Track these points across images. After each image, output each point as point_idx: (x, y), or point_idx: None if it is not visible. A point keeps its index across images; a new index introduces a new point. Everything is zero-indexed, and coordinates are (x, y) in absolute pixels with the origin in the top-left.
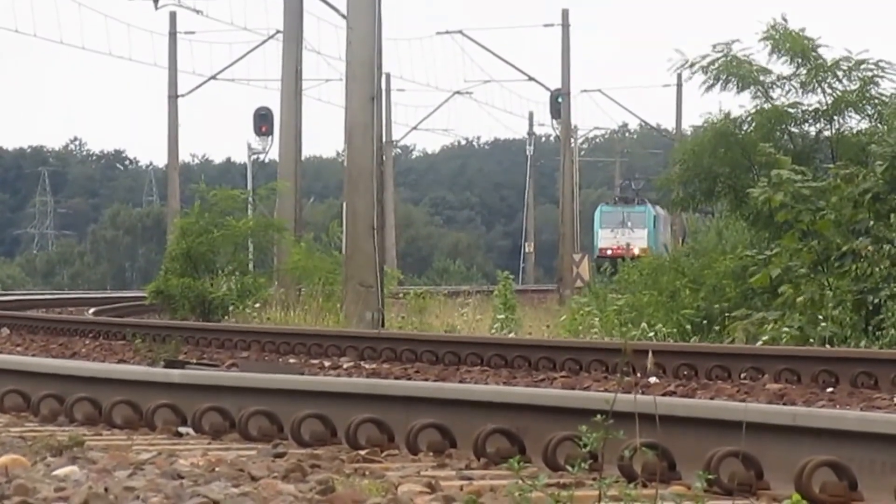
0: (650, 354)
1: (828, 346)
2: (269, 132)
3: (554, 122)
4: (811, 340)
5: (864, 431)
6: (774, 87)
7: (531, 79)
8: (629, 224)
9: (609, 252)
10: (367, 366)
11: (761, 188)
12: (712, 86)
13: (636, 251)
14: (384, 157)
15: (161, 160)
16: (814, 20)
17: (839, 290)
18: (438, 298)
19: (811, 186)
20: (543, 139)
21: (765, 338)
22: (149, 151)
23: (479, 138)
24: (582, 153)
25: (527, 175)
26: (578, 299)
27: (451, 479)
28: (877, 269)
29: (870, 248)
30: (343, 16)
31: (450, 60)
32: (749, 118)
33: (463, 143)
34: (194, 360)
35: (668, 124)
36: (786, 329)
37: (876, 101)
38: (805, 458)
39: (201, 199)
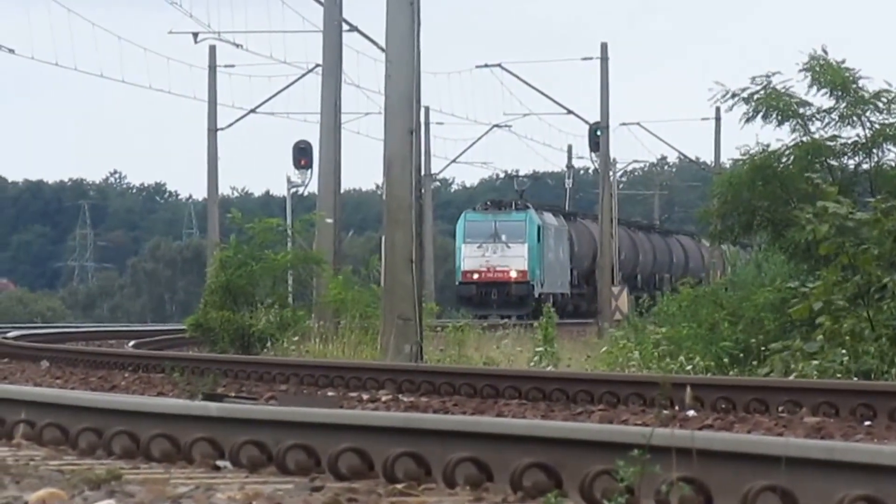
0: (688, 390)
1: (858, 377)
2: (309, 165)
3: (593, 155)
4: (840, 374)
5: None
6: (814, 119)
7: (570, 112)
8: (503, 237)
9: (476, 276)
10: (405, 399)
11: (808, 220)
12: (752, 118)
13: (513, 274)
14: (423, 190)
15: (201, 193)
16: (857, 42)
17: (878, 324)
18: (477, 331)
19: (856, 219)
20: (582, 172)
21: (797, 373)
22: (188, 184)
23: (518, 171)
24: (621, 186)
25: (565, 208)
26: (616, 332)
27: None
28: None
29: None
30: (382, 49)
31: (489, 93)
32: (788, 151)
33: (502, 175)
34: (233, 394)
35: (707, 157)
36: (815, 363)
37: None
38: (842, 492)
39: (238, 230)
